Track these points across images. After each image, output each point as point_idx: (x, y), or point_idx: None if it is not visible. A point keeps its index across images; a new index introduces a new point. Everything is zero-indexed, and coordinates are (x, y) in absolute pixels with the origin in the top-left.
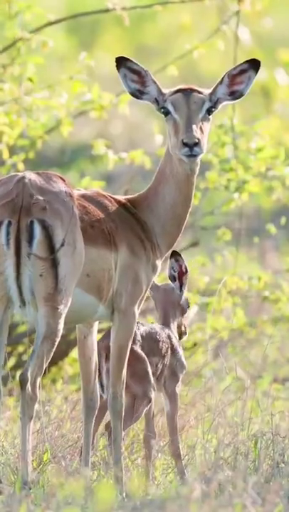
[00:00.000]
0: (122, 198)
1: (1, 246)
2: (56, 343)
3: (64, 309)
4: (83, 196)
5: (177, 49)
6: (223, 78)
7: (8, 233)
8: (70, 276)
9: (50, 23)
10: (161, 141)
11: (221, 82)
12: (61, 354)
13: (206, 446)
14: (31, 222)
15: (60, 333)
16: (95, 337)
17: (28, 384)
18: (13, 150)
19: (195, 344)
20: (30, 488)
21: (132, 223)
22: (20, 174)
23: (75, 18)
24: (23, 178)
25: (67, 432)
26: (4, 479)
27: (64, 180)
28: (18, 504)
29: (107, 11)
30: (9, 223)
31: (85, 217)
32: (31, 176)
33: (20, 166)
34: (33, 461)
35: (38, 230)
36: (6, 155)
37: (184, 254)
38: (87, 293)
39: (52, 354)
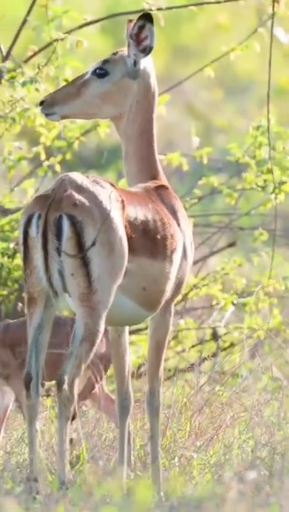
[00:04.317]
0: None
1: (33, 239)
2: (96, 344)
3: (102, 310)
4: (155, 204)
5: (214, 49)
6: (128, 43)
7: (38, 226)
8: (107, 277)
9: (86, 24)
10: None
11: (128, 46)
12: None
13: (242, 446)
14: (60, 217)
15: (99, 334)
16: (127, 335)
17: (65, 385)
18: (50, 151)
19: (232, 344)
20: (67, 488)
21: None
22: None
23: (111, 18)
24: (66, 175)
25: (104, 432)
26: (41, 479)
27: (114, 187)
28: (56, 504)
29: (143, 11)
30: (39, 216)
31: (147, 229)
32: (75, 175)
33: (58, 167)
34: (70, 461)
35: (66, 225)
36: (43, 156)
37: (221, 255)
38: (142, 307)
39: (91, 355)
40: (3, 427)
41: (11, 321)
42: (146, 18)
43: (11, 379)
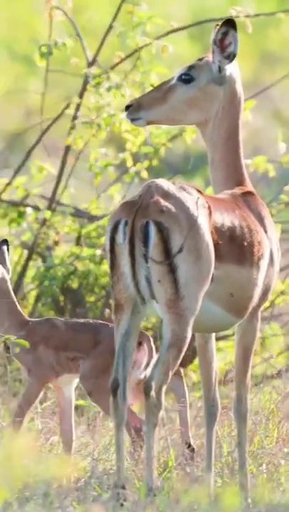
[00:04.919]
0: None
1: (120, 245)
2: (183, 351)
3: (190, 316)
4: (243, 210)
5: None
6: (212, 49)
7: (125, 233)
8: (194, 284)
9: (173, 31)
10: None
11: (213, 52)
12: (186, 360)
13: None
14: (147, 223)
15: (187, 340)
16: (214, 341)
17: (152, 392)
18: (136, 158)
19: None
20: (154, 495)
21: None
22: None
23: (198, 25)
24: (152, 182)
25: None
26: (129, 486)
27: (201, 193)
28: (143, 510)
29: (230, 17)
30: (126, 223)
31: (234, 236)
32: (162, 181)
33: (144, 173)
34: (157, 467)
35: (153, 231)
36: (129, 163)
37: None
38: (230, 313)
39: (179, 362)
40: (73, 419)
41: (60, 318)
42: (230, 24)
43: (29, 375)
